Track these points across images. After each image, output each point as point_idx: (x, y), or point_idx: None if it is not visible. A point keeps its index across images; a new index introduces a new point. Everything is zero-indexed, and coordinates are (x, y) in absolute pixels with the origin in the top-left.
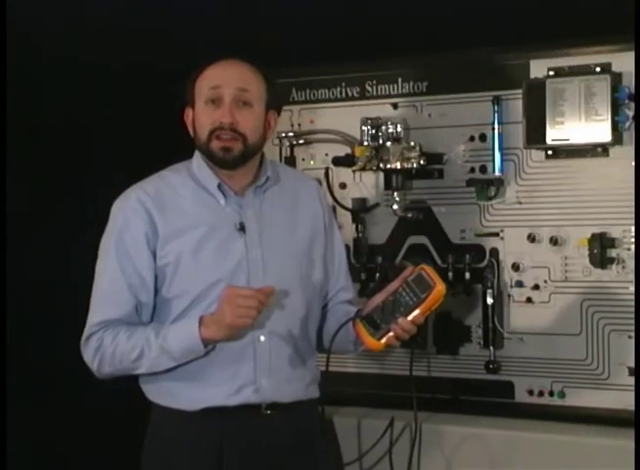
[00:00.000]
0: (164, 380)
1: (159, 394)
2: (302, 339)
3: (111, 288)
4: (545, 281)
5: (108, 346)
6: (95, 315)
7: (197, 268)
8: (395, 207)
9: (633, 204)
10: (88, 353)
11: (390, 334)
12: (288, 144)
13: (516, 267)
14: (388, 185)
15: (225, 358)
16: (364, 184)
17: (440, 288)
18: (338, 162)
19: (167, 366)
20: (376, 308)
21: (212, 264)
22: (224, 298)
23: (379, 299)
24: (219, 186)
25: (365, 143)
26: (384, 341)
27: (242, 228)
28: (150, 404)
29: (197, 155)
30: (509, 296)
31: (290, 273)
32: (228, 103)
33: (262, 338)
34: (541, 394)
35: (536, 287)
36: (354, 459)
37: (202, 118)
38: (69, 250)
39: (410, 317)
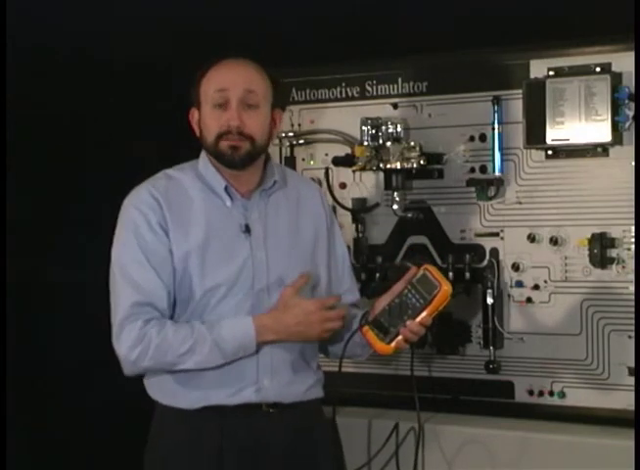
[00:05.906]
0: (167, 379)
1: (161, 392)
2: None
3: (140, 275)
4: (545, 281)
5: (154, 337)
6: (127, 298)
7: (203, 269)
8: (395, 207)
9: (633, 204)
10: (125, 342)
11: (400, 337)
12: (288, 144)
13: (516, 267)
14: (388, 185)
15: None
16: (364, 184)
17: (447, 288)
18: (338, 162)
19: (216, 363)
20: (382, 312)
21: (219, 265)
22: (311, 313)
23: (384, 301)
24: (226, 188)
25: (365, 143)
26: (394, 345)
27: (247, 230)
28: (153, 403)
29: (203, 155)
30: (509, 296)
31: (293, 275)
32: (235, 106)
33: None
34: (541, 394)
35: (536, 287)
36: (361, 466)
37: (209, 122)
38: (70, 252)
39: (418, 319)
